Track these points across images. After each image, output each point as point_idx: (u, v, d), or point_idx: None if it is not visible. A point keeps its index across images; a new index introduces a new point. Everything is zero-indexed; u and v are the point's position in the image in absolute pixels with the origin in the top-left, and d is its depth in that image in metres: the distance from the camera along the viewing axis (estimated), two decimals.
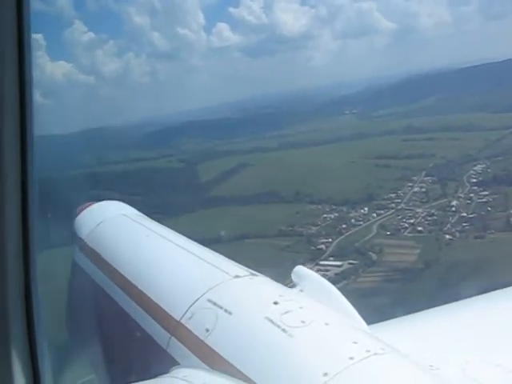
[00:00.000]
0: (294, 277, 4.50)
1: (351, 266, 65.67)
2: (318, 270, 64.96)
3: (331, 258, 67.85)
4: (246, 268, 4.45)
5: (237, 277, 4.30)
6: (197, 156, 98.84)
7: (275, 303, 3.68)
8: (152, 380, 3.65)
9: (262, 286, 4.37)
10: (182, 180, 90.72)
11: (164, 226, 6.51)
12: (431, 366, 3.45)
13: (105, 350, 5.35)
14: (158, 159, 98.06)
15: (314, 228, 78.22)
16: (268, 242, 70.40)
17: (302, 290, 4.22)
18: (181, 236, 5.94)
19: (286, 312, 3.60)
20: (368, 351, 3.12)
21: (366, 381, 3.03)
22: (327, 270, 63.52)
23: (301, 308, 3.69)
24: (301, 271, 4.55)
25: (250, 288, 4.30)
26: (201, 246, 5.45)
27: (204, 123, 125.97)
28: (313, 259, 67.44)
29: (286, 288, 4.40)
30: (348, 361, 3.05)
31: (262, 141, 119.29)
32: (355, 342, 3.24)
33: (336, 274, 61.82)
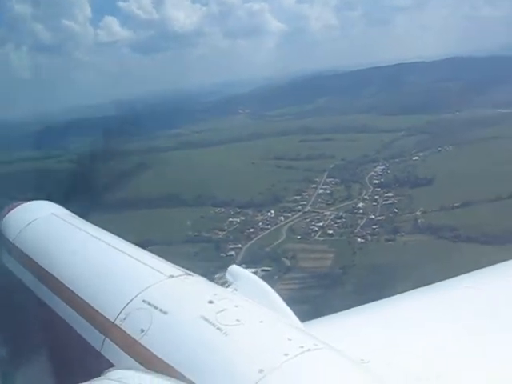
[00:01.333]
0: (228, 276, 4.33)
1: (265, 273, 61.93)
2: None
3: (243, 266, 63.34)
4: (181, 267, 4.35)
5: (171, 276, 4.18)
6: (87, 156, 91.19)
7: (210, 302, 3.66)
8: (86, 383, 3.51)
9: (197, 285, 4.27)
10: (72, 182, 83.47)
11: (96, 226, 6.00)
12: (362, 359, 3.52)
13: (37, 354, 5.09)
14: (45, 159, 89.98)
15: (221, 233, 73.95)
16: (174, 249, 64.98)
17: (236, 289, 4.13)
18: (114, 236, 5.56)
19: (221, 311, 3.56)
20: (302, 347, 3.14)
21: (301, 376, 3.04)
22: None
23: (236, 306, 3.65)
24: (235, 270, 4.43)
25: (185, 287, 4.19)
26: (135, 246, 5.14)
27: (93, 121, 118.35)
28: (224, 267, 62.83)
29: (220, 287, 4.20)
30: (283, 357, 3.08)
31: (157, 140, 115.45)
32: (289, 339, 3.25)
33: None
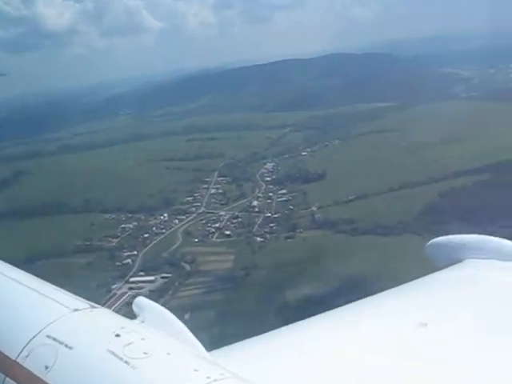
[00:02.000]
0: (134, 308, 4.23)
1: (165, 279, 58.66)
2: (129, 289, 56.98)
3: (141, 273, 59.92)
4: (85, 300, 4.07)
5: (76, 310, 3.94)
6: None
7: (117, 335, 3.49)
8: None
9: (103, 318, 3.99)
10: None
11: None
12: None
13: None
14: None
15: (114, 240, 69.22)
16: (65, 261, 60.01)
17: (143, 321, 4.05)
18: (13, 267, 4.77)
19: (128, 344, 3.40)
20: (208, 378, 3.07)
21: None
22: (140, 288, 55.82)
23: (142, 339, 3.49)
24: (141, 302, 4.25)
25: (91, 321, 3.91)
26: (36, 278, 4.56)
27: None
28: (121, 276, 59.01)
29: (127, 319, 3.97)
30: None
31: (34, 145, 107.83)
32: (196, 370, 3.19)
33: (151, 291, 54.29)
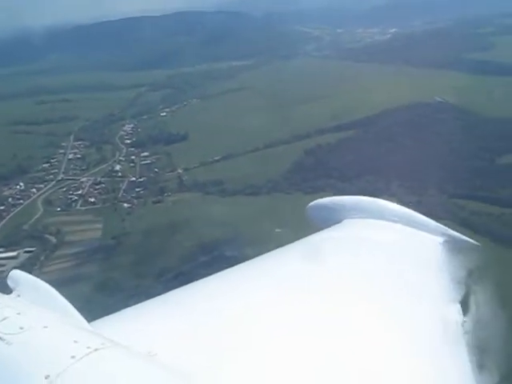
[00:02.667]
0: (9, 282, 4.24)
1: (29, 254, 54.51)
2: None
3: (1, 250, 55.16)
4: None
5: None
6: None
7: None
8: None
9: None
10: None
11: None
12: (149, 352, 3.62)
13: None
14: None
15: None
16: None
17: (19, 295, 4.06)
18: None
19: (3, 319, 3.50)
20: (89, 348, 3.19)
21: (89, 376, 3.12)
22: (2, 265, 51.62)
23: (18, 314, 3.59)
24: (16, 275, 4.31)
25: None
26: None
27: None
28: None
29: (1, 294, 4.06)
30: (69, 360, 3.12)
31: None
32: (76, 341, 3.28)
33: (15, 268, 50.13)
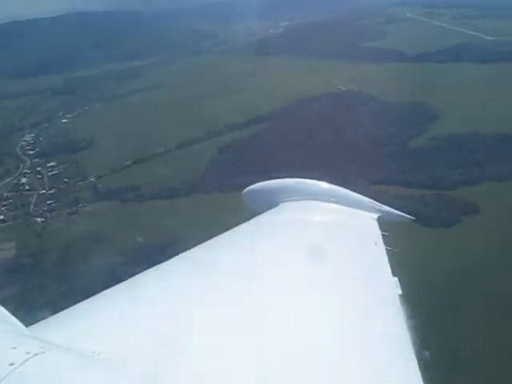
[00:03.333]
0: None
1: None
2: None
3: None
4: None
5: None
6: None
7: None
8: None
9: None
10: None
11: None
12: (93, 352, 3.54)
13: None
14: None
15: None
16: None
17: None
18: None
19: None
20: (28, 353, 3.14)
21: (30, 382, 3.06)
22: None
23: None
24: None
25: None
26: None
27: None
28: None
29: None
30: (9, 367, 3.04)
31: None
32: (14, 347, 3.22)
33: None
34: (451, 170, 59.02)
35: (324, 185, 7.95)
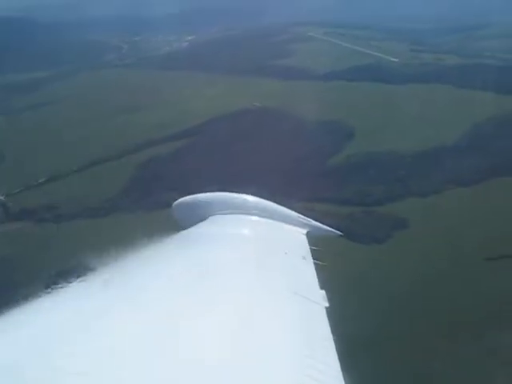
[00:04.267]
0: None
1: None
2: None
3: None
4: None
5: None
6: None
7: None
8: None
9: None
10: None
11: None
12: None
13: None
14: None
15: None
16: None
17: None
18: None
19: None
20: None
21: None
22: None
23: None
24: None
25: None
26: None
27: None
28: None
29: None
30: None
31: None
32: None
33: None
34: (374, 187, 60.47)
35: (253, 199, 8.14)
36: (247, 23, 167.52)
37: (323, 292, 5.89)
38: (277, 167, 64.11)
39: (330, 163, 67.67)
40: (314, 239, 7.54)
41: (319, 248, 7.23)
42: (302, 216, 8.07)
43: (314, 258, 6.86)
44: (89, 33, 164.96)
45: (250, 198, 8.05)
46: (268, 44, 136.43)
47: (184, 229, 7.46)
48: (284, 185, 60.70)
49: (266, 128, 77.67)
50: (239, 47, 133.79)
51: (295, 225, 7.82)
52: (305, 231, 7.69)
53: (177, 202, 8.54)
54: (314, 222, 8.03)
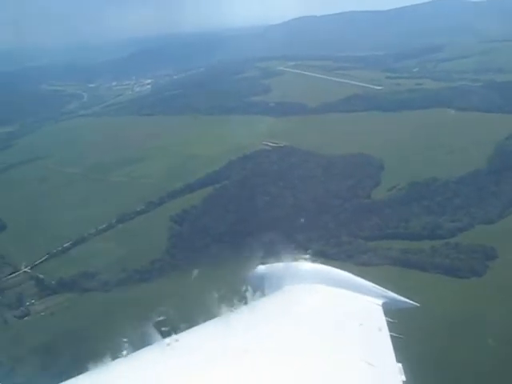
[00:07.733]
0: None
1: None
2: None
3: None
4: None
5: None
6: None
7: None
8: None
9: None
10: None
11: None
12: None
13: None
14: None
15: None
16: None
17: None
18: None
19: None
20: None
21: None
22: None
23: None
24: None
25: None
26: None
27: None
28: None
29: None
30: None
31: None
32: None
33: None
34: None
35: (328, 268, 8.00)
36: (205, 61, 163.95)
37: (400, 365, 5.90)
38: (328, 206, 60.50)
39: (376, 198, 64.46)
40: (390, 312, 7.52)
41: (395, 320, 7.14)
42: (377, 286, 7.92)
43: (390, 329, 6.89)
44: (39, 82, 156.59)
45: (324, 268, 8.00)
46: (241, 80, 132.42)
47: (259, 297, 7.44)
48: (343, 224, 57.58)
49: (293, 167, 72.74)
50: (210, 86, 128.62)
51: (370, 295, 7.70)
52: (380, 302, 7.61)
53: (252, 271, 8.41)
54: (390, 293, 7.87)
